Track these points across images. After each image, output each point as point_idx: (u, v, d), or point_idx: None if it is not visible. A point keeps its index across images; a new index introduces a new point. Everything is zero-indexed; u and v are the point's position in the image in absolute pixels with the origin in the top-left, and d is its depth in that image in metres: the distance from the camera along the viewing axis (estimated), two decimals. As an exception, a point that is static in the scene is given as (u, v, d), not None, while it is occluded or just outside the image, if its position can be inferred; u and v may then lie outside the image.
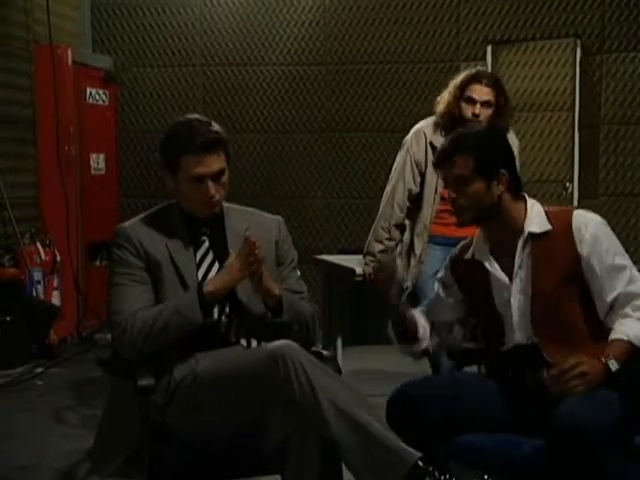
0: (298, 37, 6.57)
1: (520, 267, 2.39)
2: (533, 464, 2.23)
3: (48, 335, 5.48)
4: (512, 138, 3.67)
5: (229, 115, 6.65)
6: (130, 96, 6.74)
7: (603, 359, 2.19)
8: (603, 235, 2.37)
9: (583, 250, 2.34)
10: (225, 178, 2.46)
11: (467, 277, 2.51)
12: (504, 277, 2.41)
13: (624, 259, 2.38)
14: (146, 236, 2.45)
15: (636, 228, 6.16)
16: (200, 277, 2.46)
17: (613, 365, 2.18)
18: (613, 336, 2.26)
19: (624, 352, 2.22)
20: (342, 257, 4.83)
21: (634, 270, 2.37)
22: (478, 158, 2.35)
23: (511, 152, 2.48)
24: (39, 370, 5.17)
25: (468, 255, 2.50)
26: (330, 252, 5.86)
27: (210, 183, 2.41)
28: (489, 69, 6.21)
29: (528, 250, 2.39)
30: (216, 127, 2.46)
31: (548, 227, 2.38)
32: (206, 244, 2.52)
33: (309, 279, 2.66)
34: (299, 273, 2.65)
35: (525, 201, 2.44)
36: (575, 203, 6.15)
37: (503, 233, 2.43)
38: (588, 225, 2.36)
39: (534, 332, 2.37)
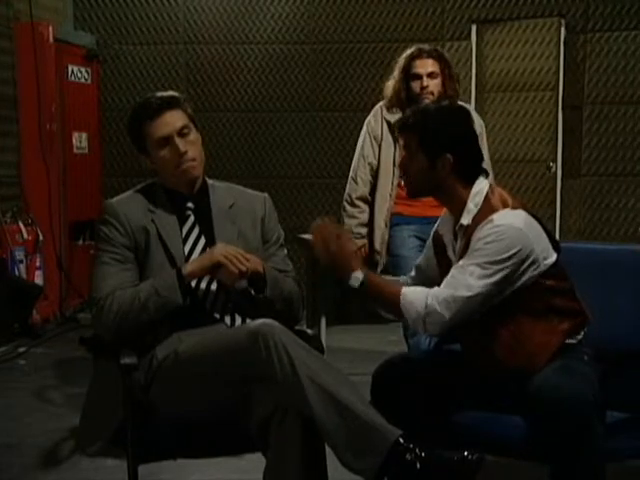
0: (282, 16, 6.53)
1: (457, 252, 2.37)
2: (513, 440, 2.25)
3: (31, 315, 5.46)
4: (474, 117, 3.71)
5: (212, 94, 6.62)
6: (113, 74, 6.68)
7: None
8: (487, 240, 2.25)
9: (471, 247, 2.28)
10: (193, 137, 2.45)
11: (439, 248, 2.50)
12: (452, 254, 2.41)
13: (481, 269, 2.23)
14: (133, 212, 2.45)
15: (618, 208, 6.14)
16: (187, 252, 2.45)
17: (356, 279, 2.32)
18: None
19: (377, 286, 2.34)
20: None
21: (479, 288, 2.22)
22: (422, 137, 2.35)
23: (465, 137, 2.38)
24: (22, 350, 5.16)
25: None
26: (314, 232, 5.85)
27: (178, 139, 2.41)
28: (474, 48, 6.22)
29: (460, 238, 2.37)
30: (171, 92, 2.50)
31: (468, 222, 2.32)
32: (191, 218, 2.51)
33: (294, 258, 2.65)
34: (286, 252, 2.64)
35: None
36: (558, 183, 6.16)
37: (455, 214, 2.40)
38: (488, 227, 2.26)
39: None
